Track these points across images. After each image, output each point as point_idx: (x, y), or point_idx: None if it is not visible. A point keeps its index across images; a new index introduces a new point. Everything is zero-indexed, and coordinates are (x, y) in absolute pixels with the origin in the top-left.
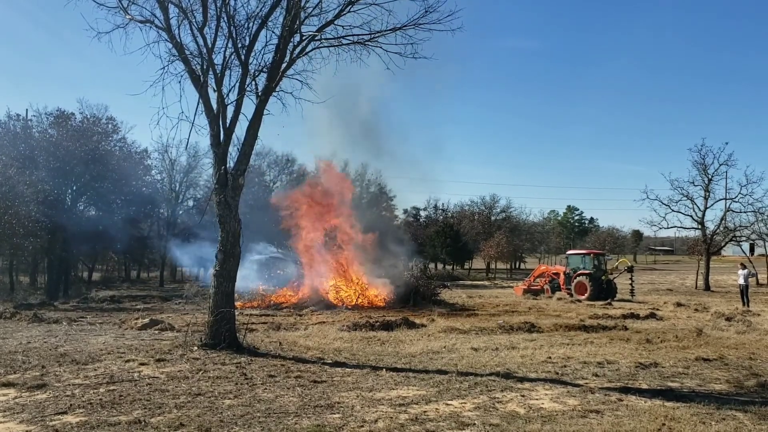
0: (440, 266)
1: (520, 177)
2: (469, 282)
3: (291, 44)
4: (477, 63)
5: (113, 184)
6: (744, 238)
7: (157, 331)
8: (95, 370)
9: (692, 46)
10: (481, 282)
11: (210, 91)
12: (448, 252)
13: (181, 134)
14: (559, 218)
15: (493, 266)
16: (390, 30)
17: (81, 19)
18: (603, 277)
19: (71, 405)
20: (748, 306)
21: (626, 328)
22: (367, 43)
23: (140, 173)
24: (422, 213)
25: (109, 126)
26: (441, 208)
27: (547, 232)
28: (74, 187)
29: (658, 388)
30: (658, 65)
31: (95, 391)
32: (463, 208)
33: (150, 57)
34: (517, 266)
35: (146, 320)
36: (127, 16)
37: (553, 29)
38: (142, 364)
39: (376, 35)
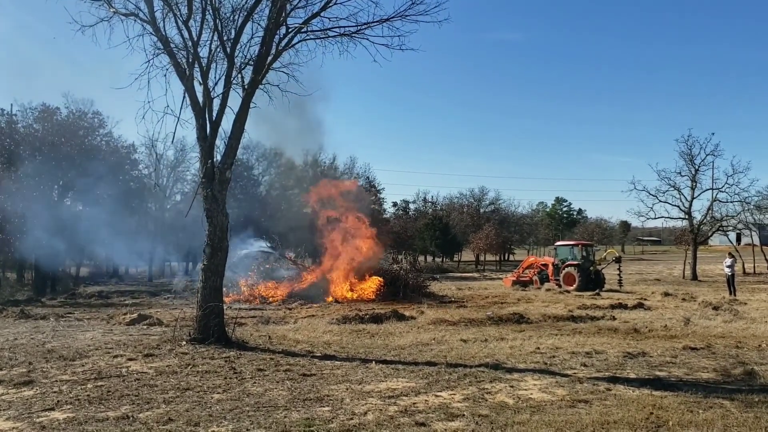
0: (430, 259)
1: (509, 169)
2: (459, 274)
3: (277, 37)
4: (463, 55)
5: (100, 179)
6: (730, 228)
7: (145, 326)
8: (83, 366)
9: (677, 38)
10: (471, 274)
11: (196, 84)
12: (437, 244)
13: (167, 128)
14: (548, 210)
15: (482, 258)
16: (377, 22)
17: (64, 12)
18: (591, 268)
19: (58, 401)
20: (735, 295)
21: (614, 318)
22: (353, 35)
23: (127, 168)
24: (411, 206)
25: (95, 120)
26: (430, 200)
27: (536, 224)
28: (60, 183)
29: (646, 377)
30: (644, 56)
31: (83, 387)
32: (452, 200)
33: (135, 50)
34: (506, 258)
35: (134, 315)
36: (111, 9)
37: (538, 22)
38: (131, 359)
39: (363, 27)
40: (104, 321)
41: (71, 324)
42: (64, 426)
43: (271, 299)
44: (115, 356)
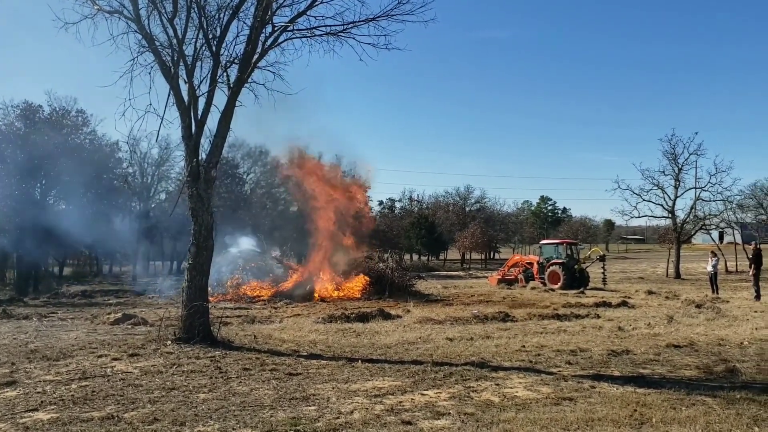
0: (415, 257)
1: (494, 167)
2: (444, 272)
3: (263, 35)
4: (449, 54)
5: (84, 177)
6: (713, 227)
7: (130, 326)
8: (67, 366)
9: (663, 38)
10: (456, 272)
11: (181, 82)
12: (423, 243)
13: (151, 126)
14: (533, 208)
15: (467, 257)
16: (363, 21)
17: (47, 9)
18: (576, 267)
19: (42, 402)
20: (718, 293)
21: (598, 317)
22: (339, 34)
23: (111, 166)
24: (397, 204)
25: (79, 119)
26: (416, 199)
27: (521, 222)
28: (43, 181)
29: (630, 375)
30: (630, 56)
31: (67, 387)
32: (438, 199)
33: (119, 48)
34: (491, 256)
35: (119, 315)
36: (95, 7)
37: (525, 20)
38: (115, 359)
39: (349, 26)
40: (88, 321)
41: (54, 324)
42: (48, 427)
43: (256, 298)
44: (100, 356)
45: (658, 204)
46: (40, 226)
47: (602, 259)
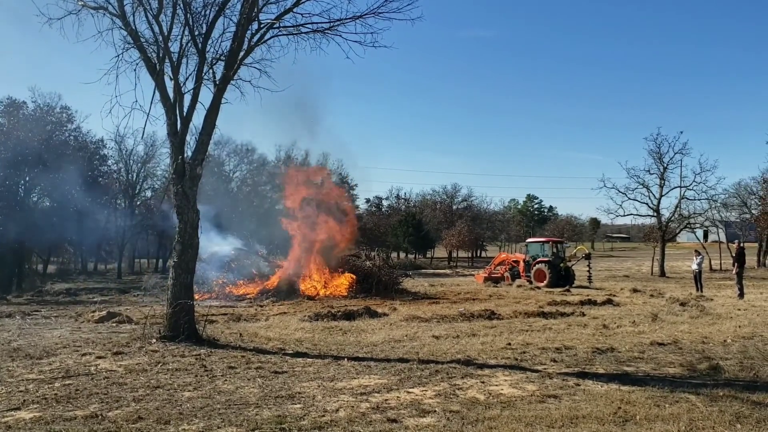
0: (402, 255)
1: (481, 166)
2: (431, 270)
3: (249, 32)
4: (436, 52)
5: (68, 174)
6: (698, 225)
7: (114, 324)
8: (50, 364)
9: (648, 38)
10: (443, 270)
11: (166, 79)
12: (410, 241)
13: (137, 123)
14: (519, 207)
15: (454, 255)
16: (350, 18)
17: (31, 4)
18: (561, 265)
19: (25, 401)
20: (702, 291)
21: (584, 314)
22: (326, 31)
23: (96, 163)
24: (384, 202)
25: (64, 115)
26: (403, 197)
27: (508, 221)
28: (27, 178)
29: (615, 372)
30: (616, 56)
31: (50, 385)
32: (425, 197)
33: (104, 44)
34: (478, 254)
35: (103, 313)
36: (80, 2)
37: (511, 19)
38: (99, 357)
39: (336, 23)
40: (72, 319)
41: (38, 322)
42: (30, 426)
43: (242, 296)
44: (84, 354)
45: (644, 203)
46: (24, 223)
47: (588, 257)
